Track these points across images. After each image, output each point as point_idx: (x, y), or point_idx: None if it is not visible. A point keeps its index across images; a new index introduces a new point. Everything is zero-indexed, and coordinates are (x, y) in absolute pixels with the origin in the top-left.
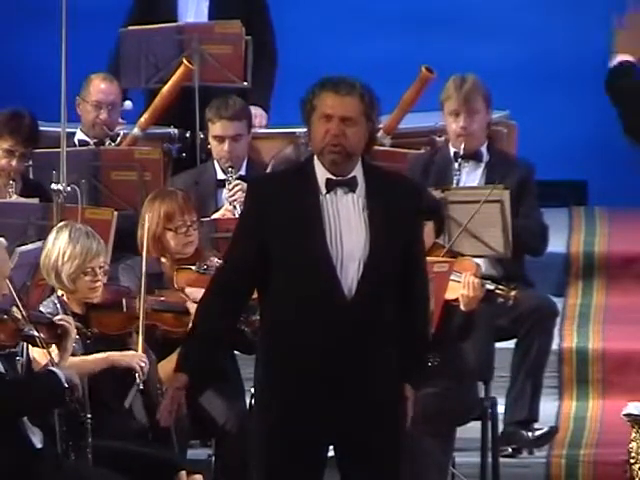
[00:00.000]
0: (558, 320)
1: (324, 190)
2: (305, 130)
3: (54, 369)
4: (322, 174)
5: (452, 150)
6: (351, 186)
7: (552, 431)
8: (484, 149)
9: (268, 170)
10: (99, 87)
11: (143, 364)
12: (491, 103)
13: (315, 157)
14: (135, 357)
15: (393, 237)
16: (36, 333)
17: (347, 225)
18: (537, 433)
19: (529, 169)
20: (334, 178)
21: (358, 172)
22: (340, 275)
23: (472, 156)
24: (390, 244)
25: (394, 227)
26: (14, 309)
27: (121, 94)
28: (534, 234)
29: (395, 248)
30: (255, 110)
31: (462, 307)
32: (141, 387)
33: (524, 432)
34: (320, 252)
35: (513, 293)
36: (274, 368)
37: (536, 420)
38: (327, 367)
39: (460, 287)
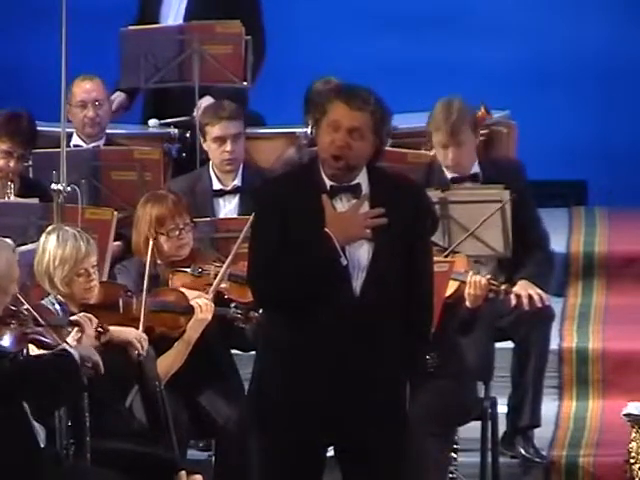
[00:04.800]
0: (558, 320)
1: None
2: (305, 130)
3: (67, 347)
4: (327, 179)
5: (449, 175)
6: (355, 193)
7: (547, 463)
8: (477, 167)
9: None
10: (80, 87)
11: (143, 340)
12: (477, 124)
13: (320, 160)
14: (132, 332)
15: (397, 241)
16: (45, 339)
17: None
18: (537, 452)
19: (518, 168)
20: (338, 185)
21: (362, 178)
22: (346, 279)
23: (467, 178)
24: (394, 249)
25: (398, 231)
26: (24, 311)
27: (106, 91)
28: (547, 274)
29: (399, 252)
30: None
31: (468, 304)
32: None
33: (523, 449)
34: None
35: (503, 287)
36: (275, 366)
37: (538, 425)
38: (330, 367)
39: (455, 284)
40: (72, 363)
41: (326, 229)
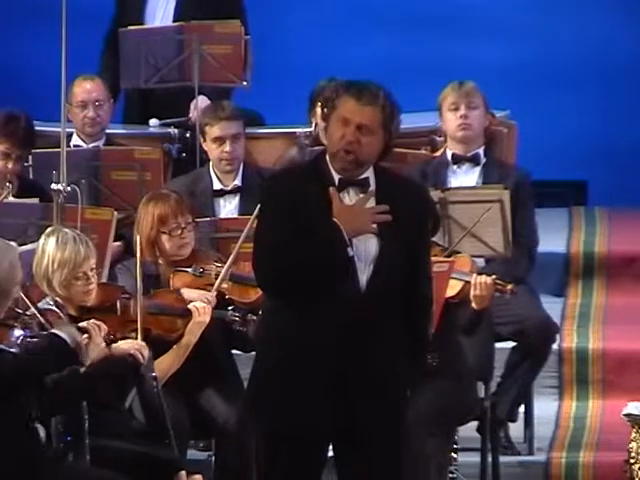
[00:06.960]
0: (558, 320)
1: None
2: (306, 130)
3: (54, 330)
4: (335, 173)
5: (449, 153)
6: (363, 187)
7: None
8: (481, 151)
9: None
10: (81, 87)
11: (143, 349)
12: (488, 107)
13: (327, 155)
14: (132, 345)
15: (401, 239)
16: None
17: None
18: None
19: (525, 175)
20: (346, 178)
21: (370, 173)
22: (351, 273)
23: (469, 158)
24: (399, 246)
25: (402, 229)
26: (29, 314)
27: (107, 91)
28: (520, 276)
29: (403, 249)
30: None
31: (474, 306)
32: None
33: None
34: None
35: (509, 287)
36: (275, 361)
37: (514, 420)
38: (331, 363)
39: (458, 284)
40: (62, 345)
41: (334, 219)
